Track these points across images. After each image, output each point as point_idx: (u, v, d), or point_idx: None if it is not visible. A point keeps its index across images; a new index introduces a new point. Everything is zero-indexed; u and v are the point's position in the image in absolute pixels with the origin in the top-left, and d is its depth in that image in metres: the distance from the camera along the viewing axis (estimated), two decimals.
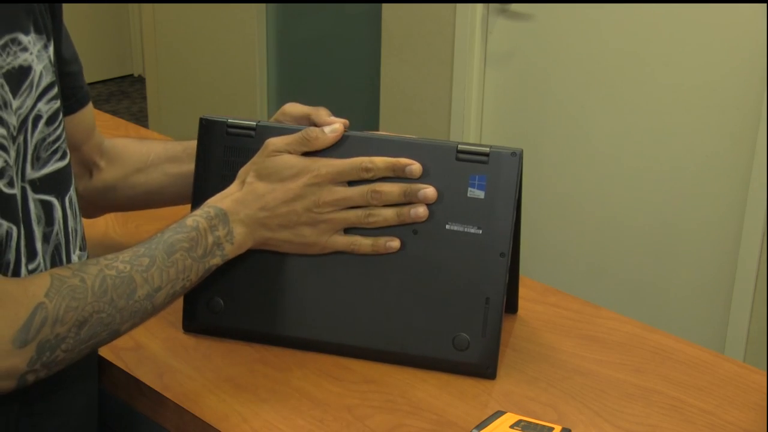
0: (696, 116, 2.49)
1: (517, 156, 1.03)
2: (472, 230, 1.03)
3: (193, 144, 1.14)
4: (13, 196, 0.88)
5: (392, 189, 1.02)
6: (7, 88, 0.88)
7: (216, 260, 0.98)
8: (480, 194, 1.03)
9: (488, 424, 0.91)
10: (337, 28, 3.48)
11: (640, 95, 2.58)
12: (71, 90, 1.10)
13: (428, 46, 2.95)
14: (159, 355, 1.07)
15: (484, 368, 1.04)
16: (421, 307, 1.05)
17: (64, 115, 1.00)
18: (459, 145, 1.04)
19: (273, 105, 3.68)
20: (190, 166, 1.16)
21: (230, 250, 0.99)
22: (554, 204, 2.83)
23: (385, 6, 3.03)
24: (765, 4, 2.29)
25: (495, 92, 2.89)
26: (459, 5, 2.81)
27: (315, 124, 1.07)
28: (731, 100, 2.42)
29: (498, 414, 0.94)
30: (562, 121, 2.77)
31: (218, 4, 3.63)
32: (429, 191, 1.02)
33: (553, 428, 0.93)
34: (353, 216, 1.02)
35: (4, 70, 0.88)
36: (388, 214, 1.02)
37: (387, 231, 1.04)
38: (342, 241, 1.03)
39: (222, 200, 1.01)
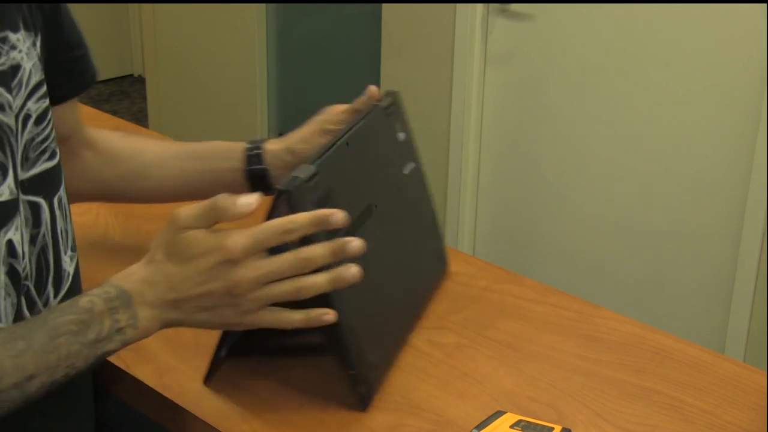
0: (696, 116, 2.49)
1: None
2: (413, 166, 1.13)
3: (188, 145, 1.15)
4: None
5: (321, 252, 0.87)
6: (1, 89, 0.88)
7: (113, 345, 0.86)
8: (402, 136, 1.18)
9: (488, 424, 0.91)
10: (337, 28, 3.48)
11: (640, 95, 2.58)
12: (79, 72, 1.09)
13: (428, 46, 2.95)
14: (159, 355, 1.07)
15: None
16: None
17: (69, 97, 1.00)
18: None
19: (273, 105, 3.68)
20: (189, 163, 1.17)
21: (133, 335, 0.87)
22: (554, 204, 2.83)
23: (385, 6, 3.03)
24: (765, 4, 2.29)
25: (495, 92, 2.89)
26: (459, 5, 2.81)
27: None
28: (731, 100, 2.42)
29: (498, 414, 0.94)
30: (562, 121, 2.77)
31: (218, 4, 3.63)
32: (355, 243, 0.88)
33: (553, 428, 0.93)
34: (280, 292, 0.88)
35: None
36: (321, 282, 0.88)
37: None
38: (269, 318, 0.90)
39: (126, 279, 0.88)
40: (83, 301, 0.85)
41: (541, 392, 1.04)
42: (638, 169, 2.63)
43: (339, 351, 0.98)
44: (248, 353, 1.06)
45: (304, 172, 0.92)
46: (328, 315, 0.89)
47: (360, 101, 1.15)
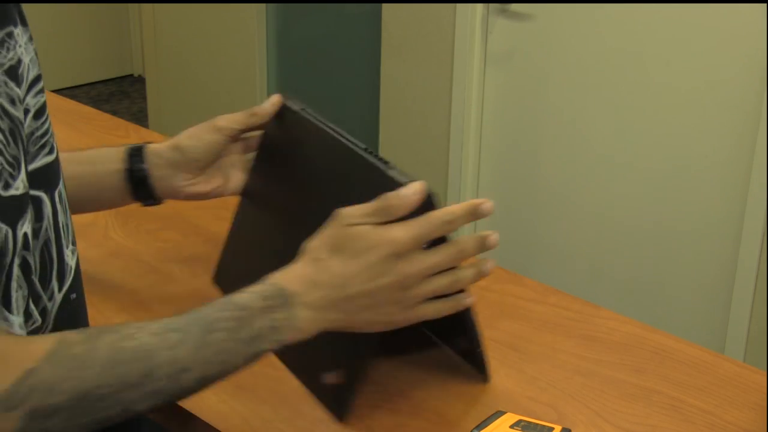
0: (696, 116, 2.49)
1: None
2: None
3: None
4: (9, 198, 0.87)
5: (472, 244, 0.91)
6: (12, 84, 0.88)
7: (268, 345, 0.86)
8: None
9: (488, 424, 0.91)
10: (337, 28, 3.48)
11: (640, 95, 2.58)
12: None
13: (428, 46, 2.95)
14: None
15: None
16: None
17: None
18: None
19: None
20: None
21: (290, 336, 0.87)
22: (554, 204, 2.83)
23: (385, 6, 3.03)
24: (765, 4, 2.29)
25: (495, 92, 2.89)
26: (459, 5, 2.81)
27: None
28: (731, 100, 2.42)
29: (498, 414, 0.94)
30: (562, 121, 2.77)
31: (218, 4, 3.63)
32: (495, 237, 0.92)
33: (553, 428, 0.93)
34: (440, 285, 0.90)
35: (5, 67, 0.88)
36: (470, 275, 0.92)
37: None
38: (430, 310, 0.91)
39: (287, 278, 0.88)
40: (240, 298, 0.86)
41: (541, 392, 1.04)
42: (638, 168, 2.63)
43: (467, 331, 1.00)
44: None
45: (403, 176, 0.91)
46: (470, 298, 0.94)
47: (259, 107, 1.13)
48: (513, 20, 2.78)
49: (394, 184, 0.89)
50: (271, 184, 1.12)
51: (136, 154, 1.17)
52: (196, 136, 1.16)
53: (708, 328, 2.56)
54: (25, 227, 0.90)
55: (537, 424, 0.93)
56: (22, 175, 0.89)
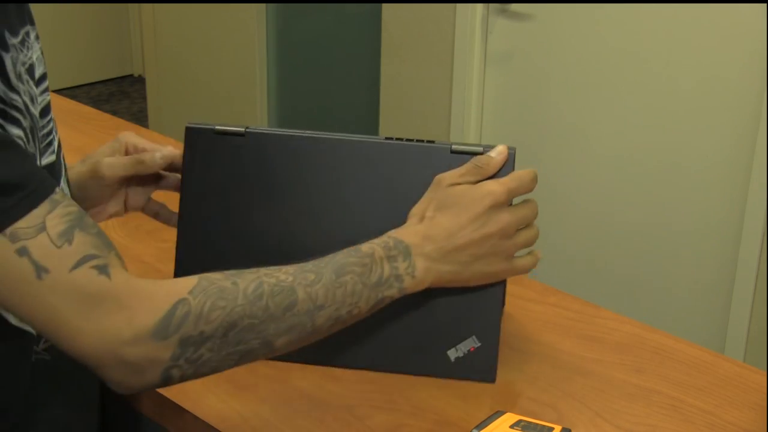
0: (696, 116, 2.49)
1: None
2: None
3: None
4: None
5: (536, 204, 1.01)
6: (32, 82, 0.89)
7: (391, 292, 0.92)
8: None
9: (488, 424, 0.91)
10: (337, 28, 3.48)
11: (639, 95, 2.58)
12: None
13: (428, 46, 2.95)
14: None
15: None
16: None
17: None
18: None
19: (273, 105, 3.68)
20: None
21: (410, 284, 0.93)
22: (554, 204, 2.83)
23: (385, 6, 3.04)
24: (765, 4, 2.29)
25: (495, 92, 2.89)
26: (459, 5, 2.81)
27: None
28: (731, 100, 2.42)
29: (498, 414, 0.94)
30: (562, 121, 2.77)
31: (218, 4, 3.63)
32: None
33: (553, 428, 0.93)
34: (530, 236, 1.00)
35: (27, 65, 0.88)
36: (537, 230, 1.02)
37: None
38: (526, 263, 1.01)
39: (402, 233, 0.95)
40: (364, 246, 0.92)
41: (541, 392, 1.04)
42: (638, 168, 2.63)
43: (491, 323, 1.04)
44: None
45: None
46: (539, 252, 1.03)
47: (149, 156, 1.12)
48: (513, 20, 2.78)
49: (459, 155, 1.01)
50: (243, 208, 1.07)
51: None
52: (82, 186, 1.12)
53: (708, 328, 2.56)
54: None
55: (537, 424, 0.93)
56: None
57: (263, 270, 0.85)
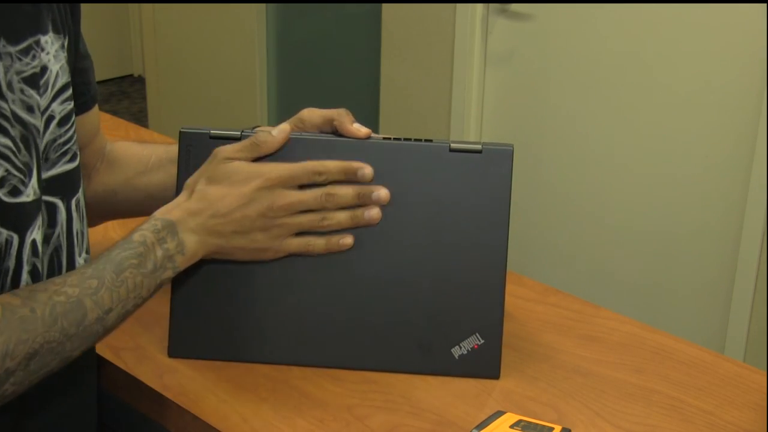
0: (696, 116, 2.49)
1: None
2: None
3: None
4: (16, 204, 0.87)
5: (346, 192, 1.01)
6: (32, 91, 0.88)
7: (168, 273, 0.96)
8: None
9: (488, 424, 0.91)
10: (337, 28, 3.48)
11: (639, 95, 2.58)
12: (82, 86, 1.07)
13: (428, 46, 2.95)
14: (159, 355, 1.07)
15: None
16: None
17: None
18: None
19: (273, 105, 3.68)
20: None
21: (181, 262, 0.97)
22: (554, 204, 2.83)
23: (385, 6, 3.04)
24: (765, 4, 2.29)
25: (495, 92, 2.89)
26: (459, 5, 2.81)
27: (338, 129, 1.05)
28: (731, 100, 2.42)
29: (498, 414, 0.94)
30: (562, 121, 2.77)
31: (218, 4, 3.63)
32: (382, 193, 1.02)
33: (553, 428, 0.93)
34: (306, 220, 1.01)
35: (26, 74, 0.88)
36: (342, 218, 1.02)
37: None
38: (296, 243, 1.02)
39: (170, 211, 0.98)
40: (136, 236, 0.95)
41: (541, 392, 1.04)
42: (638, 168, 2.63)
43: (493, 320, 1.04)
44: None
45: None
46: (347, 238, 1.02)
47: (337, 111, 1.12)
48: (513, 20, 2.78)
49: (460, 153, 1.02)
50: None
51: None
52: None
53: (708, 328, 2.56)
54: (35, 234, 0.90)
55: (537, 424, 0.93)
56: (33, 182, 0.89)
57: (51, 286, 0.87)
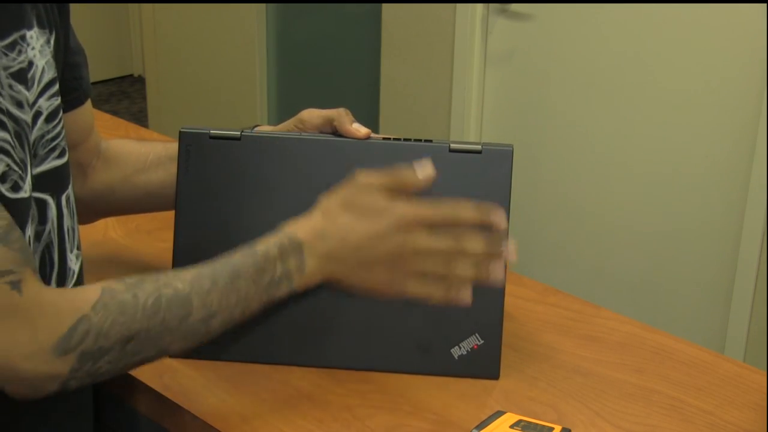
0: (696, 116, 2.49)
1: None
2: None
3: None
4: (17, 200, 0.87)
5: (477, 245, 0.98)
6: (20, 87, 0.88)
7: (282, 291, 0.95)
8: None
9: (488, 424, 0.91)
10: (337, 28, 3.48)
11: (640, 95, 2.58)
12: (74, 81, 1.07)
13: (428, 46, 2.95)
14: None
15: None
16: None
17: (64, 112, 0.99)
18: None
19: (273, 105, 3.68)
20: None
21: (299, 283, 0.96)
22: (554, 204, 2.83)
23: (385, 6, 3.03)
24: (765, 4, 2.29)
25: (495, 92, 2.89)
26: (459, 5, 2.81)
27: (337, 130, 1.04)
28: (731, 100, 2.42)
29: (498, 414, 0.94)
30: (562, 121, 2.77)
31: (218, 4, 3.63)
32: (512, 250, 0.99)
33: (553, 428, 0.93)
34: (433, 266, 0.98)
35: (13, 70, 0.88)
36: (468, 272, 0.98)
37: None
38: (416, 287, 0.99)
39: (299, 228, 0.97)
40: (260, 246, 0.94)
41: (541, 392, 1.04)
42: (638, 168, 2.63)
43: (493, 320, 1.04)
44: None
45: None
46: (466, 294, 0.99)
47: (336, 111, 1.12)
48: (513, 20, 2.78)
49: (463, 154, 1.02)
50: (240, 213, 1.07)
51: None
52: None
53: (708, 328, 2.56)
54: (28, 231, 0.90)
55: (537, 424, 0.93)
56: (28, 179, 0.89)
57: (163, 278, 0.89)
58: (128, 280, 0.88)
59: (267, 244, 0.94)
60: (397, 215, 0.96)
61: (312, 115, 1.07)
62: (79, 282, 1.02)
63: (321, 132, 1.07)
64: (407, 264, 0.97)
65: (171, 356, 0.91)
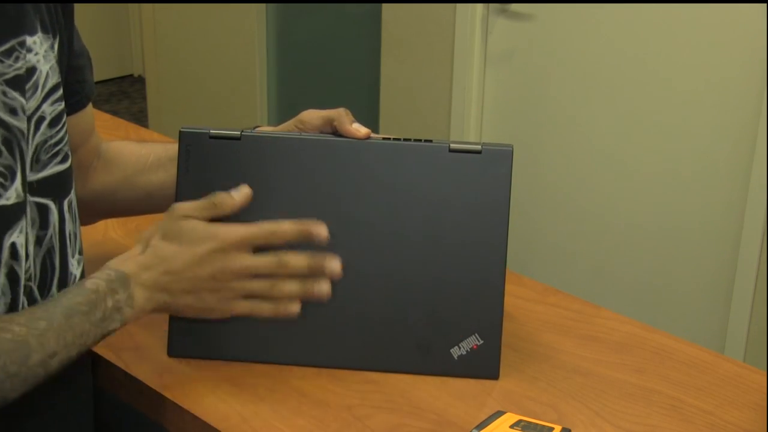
0: (696, 116, 2.49)
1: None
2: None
3: None
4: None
5: (299, 262, 0.99)
6: (15, 93, 0.88)
7: (114, 325, 0.94)
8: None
9: (488, 424, 0.91)
10: (337, 28, 3.48)
11: (640, 95, 2.58)
12: (77, 84, 1.07)
13: (428, 46, 2.95)
14: (159, 355, 1.07)
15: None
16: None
17: (67, 115, 0.99)
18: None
19: (273, 105, 3.68)
20: None
21: (129, 315, 0.95)
22: (554, 204, 2.83)
23: (385, 6, 3.03)
24: (765, 4, 2.29)
25: (495, 92, 2.89)
26: (459, 5, 2.81)
27: (337, 130, 1.05)
28: (731, 100, 2.42)
29: (498, 414, 0.94)
30: (562, 121, 2.77)
31: (218, 4, 3.63)
32: (335, 267, 1.00)
33: (553, 428, 0.93)
34: (257, 286, 0.99)
35: (8, 77, 0.87)
36: (292, 289, 1.00)
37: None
38: (243, 306, 1.00)
39: (124, 262, 0.97)
40: (89, 283, 0.93)
41: (541, 392, 1.04)
42: (638, 168, 2.63)
43: (493, 320, 1.04)
44: None
45: None
46: (293, 307, 1.00)
47: (336, 111, 1.12)
48: (513, 20, 2.78)
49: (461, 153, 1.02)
50: (240, 213, 1.04)
51: None
52: None
53: (708, 328, 2.56)
54: (15, 237, 0.89)
55: (537, 424, 0.93)
56: (17, 185, 0.89)
57: (0, 323, 0.86)
58: None
59: (95, 279, 0.93)
60: (217, 239, 0.97)
61: (312, 116, 1.07)
62: None
63: (321, 132, 1.07)
64: (233, 286, 0.98)
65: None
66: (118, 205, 1.21)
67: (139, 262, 0.97)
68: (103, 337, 0.93)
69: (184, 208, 0.99)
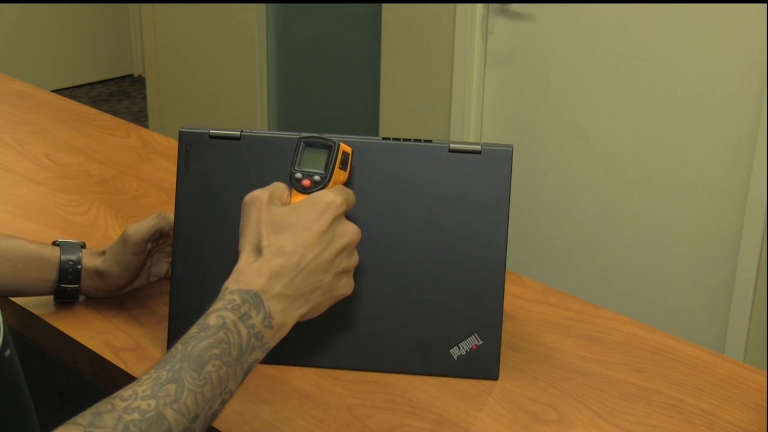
0: (696, 116, 2.49)
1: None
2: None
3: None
4: None
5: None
6: None
7: (256, 354, 0.79)
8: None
9: None
10: (337, 28, 3.48)
11: (639, 95, 2.58)
12: None
13: (428, 46, 2.95)
14: (159, 355, 1.07)
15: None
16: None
17: None
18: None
19: (273, 105, 3.68)
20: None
21: (271, 337, 0.80)
22: (554, 204, 2.83)
23: (385, 6, 3.04)
24: (765, 4, 2.29)
25: (495, 92, 2.89)
26: (459, 5, 2.81)
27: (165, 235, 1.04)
28: (731, 100, 2.42)
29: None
30: (562, 121, 2.77)
31: (218, 4, 3.63)
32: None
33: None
34: (356, 259, 0.87)
35: None
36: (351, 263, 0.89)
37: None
38: (351, 286, 0.87)
39: (245, 279, 0.81)
40: (212, 318, 0.78)
41: (541, 392, 1.04)
42: (638, 169, 2.63)
43: (494, 321, 1.04)
44: None
45: None
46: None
47: (164, 220, 1.12)
48: (513, 20, 2.78)
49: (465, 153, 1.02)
50: (239, 213, 1.07)
51: (70, 272, 1.13)
52: (116, 260, 1.13)
53: (708, 328, 2.56)
54: None
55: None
56: None
57: (119, 402, 0.72)
58: (81, 420, 0.71)
59: (219, 313, 0.79)
60: (333, 204, 0.84)
61: (137, 233, 1.10)
62: (6, 336, 0.90)
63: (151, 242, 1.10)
64: (352, 261, 0.86)
65: None
66: None
67: (266, 271, 0.81)
68: (248, 370, 0.80)
69: (265, 195, 0.84)
